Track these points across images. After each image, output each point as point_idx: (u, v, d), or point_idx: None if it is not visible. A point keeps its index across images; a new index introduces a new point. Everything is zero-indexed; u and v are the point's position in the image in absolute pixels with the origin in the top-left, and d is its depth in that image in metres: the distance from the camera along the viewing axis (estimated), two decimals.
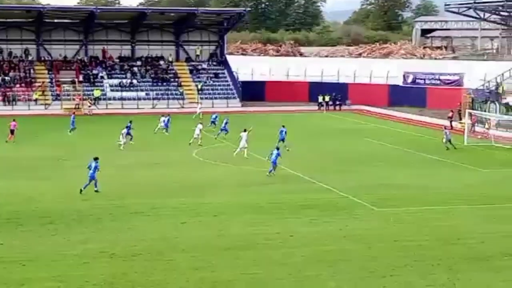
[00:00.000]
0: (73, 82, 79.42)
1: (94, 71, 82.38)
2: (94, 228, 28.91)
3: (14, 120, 55.54)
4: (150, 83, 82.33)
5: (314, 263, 24.54)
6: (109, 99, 78.83)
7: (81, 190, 35.37)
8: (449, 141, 51.70)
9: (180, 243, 26.80)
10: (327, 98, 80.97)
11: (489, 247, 26.65)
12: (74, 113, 63.16)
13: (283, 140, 50.40)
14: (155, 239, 27.37)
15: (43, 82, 78.86)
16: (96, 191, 35.54)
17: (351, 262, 24.67)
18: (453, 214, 32.16)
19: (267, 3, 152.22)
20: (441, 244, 26.85)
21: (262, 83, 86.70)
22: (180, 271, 23.57)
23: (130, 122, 54.57)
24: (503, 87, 67.85)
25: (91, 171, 35.67)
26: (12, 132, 54.22)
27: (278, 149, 41.51)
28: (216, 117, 61.80)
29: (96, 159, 36.16)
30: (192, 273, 23.40)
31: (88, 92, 78.86)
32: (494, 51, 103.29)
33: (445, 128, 54.19)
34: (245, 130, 47.80)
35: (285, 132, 51.30)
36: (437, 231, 28.90)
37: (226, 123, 56.94)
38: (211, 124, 60.55)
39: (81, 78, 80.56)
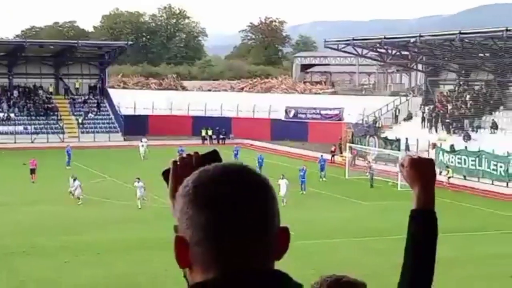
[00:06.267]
0: None
1: None
2: None
3: (33, 158, 52.56)
4: (29, 117, 79.97)
5: None
6: None
7: None
8: (372, 177, 52.25)
9: (63, 284, 25.91)
10: (210, 132, 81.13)
11: (372, 279, 27.06)
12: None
13: None
14: (37, 279, 26.37)
15: None
16: None
17: None
18: (336, 248, 32.60)
19: (148, 37, 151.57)
20: None
21: (144, 117, 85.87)
22: None
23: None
24: (381, 122, 69.97)
25: None
26: (33, 171, 51.30)
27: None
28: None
29: None
30: None
31: None
32: (371, 86, 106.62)
33: (369, 167, 54.49)
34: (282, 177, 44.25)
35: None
36: (321, 265, 29.12)
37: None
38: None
39: None
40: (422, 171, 2.65)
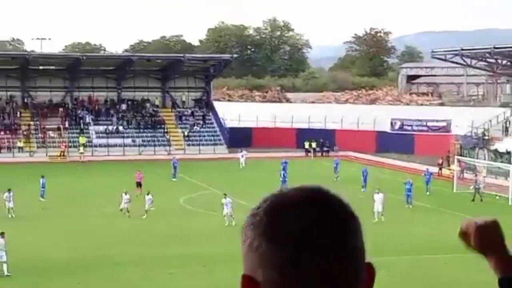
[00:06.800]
0: (58, 129, 78.77)
1: (80, 118, 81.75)
2: (81, 279, 28.16)
3: (139, 171, 53.34)
4: (136, 130, 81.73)
5: None
6: (95, 146, 78.10)
7: None
8: (478, 191, 50.69)
9: None
10: (313, 145, 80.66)
11: None
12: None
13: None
14: None
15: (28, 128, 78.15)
16: None
17: None
18: (442, 263, 31.63)
19: (253, 49, 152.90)
20: None
21: (249, 129, 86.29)
22: None
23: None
24: (490, 134, 67.85)
25: None
26: (139, 184, 51.80)
27: None
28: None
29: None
30: None
31: (74, 139, 78.08)
32: (480, 97, 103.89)
33: (475, 181, 52.80)
34: (377, 192, 43.37)
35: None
36: (427, 281, 28.36)
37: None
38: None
39: (66, 125, 79.94)
40: (490, 236, 2.25)
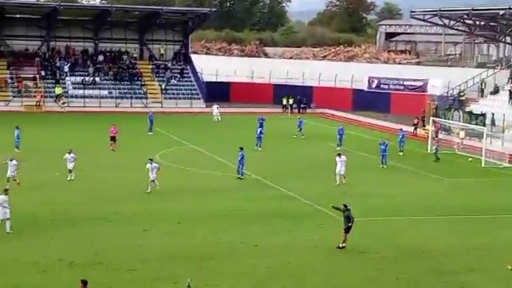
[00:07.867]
0: (34, 79, 78.05)
1: (57, 68, 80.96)
2: (53, 235, 28.22)
3: (114, 126, 50.84)
4: (113, 82, 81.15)
5: (278, 275, 24.20)
6: (71, 96, 77.56)
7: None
8: (436, 152, 51.00)
9: (143, 252, 26.27)
10: (291, 101, 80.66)
11: (454, 260, 26.56)
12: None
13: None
14: (117, 247, 26.79)
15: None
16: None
17: (315, 275, 24.40)
18: (417, 225, 32.04)
19: (232, 2, 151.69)
20: (407, 257, 26.71)
21: (227, 84, 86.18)
22: (142, 282, 23.12)
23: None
24: (465, 95, 68.19)
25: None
26: (113, 139, 50.12)
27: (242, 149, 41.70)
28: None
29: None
30: (154, 284, 22.95)
31: (49, 89, 77.51)
32: (457, 56, 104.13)
33: (434, 139, 53.90)
34: (339, 155, 41.63)
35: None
36: (402, 243, 28.75)
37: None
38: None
39: (42, 74, 79.13)
40: None
